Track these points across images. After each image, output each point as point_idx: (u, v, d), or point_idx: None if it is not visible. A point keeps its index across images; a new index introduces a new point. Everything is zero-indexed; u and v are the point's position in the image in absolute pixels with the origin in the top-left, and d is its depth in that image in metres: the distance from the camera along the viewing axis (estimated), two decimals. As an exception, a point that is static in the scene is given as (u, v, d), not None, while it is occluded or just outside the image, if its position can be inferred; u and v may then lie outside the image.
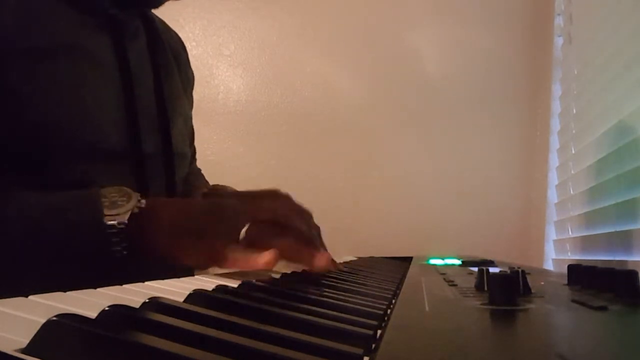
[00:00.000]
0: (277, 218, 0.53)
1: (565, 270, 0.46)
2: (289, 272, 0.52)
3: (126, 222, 0.45)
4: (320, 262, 0.51)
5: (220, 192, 0.78)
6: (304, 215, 0.61)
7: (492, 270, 0.37)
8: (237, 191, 0.75)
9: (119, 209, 0.45)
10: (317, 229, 0.63)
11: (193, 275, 0.50)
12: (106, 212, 0.45)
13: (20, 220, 0.43)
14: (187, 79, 0.83)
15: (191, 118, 0.83)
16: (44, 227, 0.44)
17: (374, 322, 0.27)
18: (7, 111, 0.49)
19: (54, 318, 0.18)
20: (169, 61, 0.74)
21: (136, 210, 0.46)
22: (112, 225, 0.44)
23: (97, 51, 0.58)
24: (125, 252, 0.45)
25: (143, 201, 0.48)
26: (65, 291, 0.27)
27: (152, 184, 0.63)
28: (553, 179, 1.32)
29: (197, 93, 0.92)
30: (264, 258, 0.46)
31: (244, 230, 0.49)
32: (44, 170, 0.51)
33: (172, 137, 0.69)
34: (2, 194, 0.44)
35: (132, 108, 0.61)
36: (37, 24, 0.52)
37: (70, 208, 0.45)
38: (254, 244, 0.49)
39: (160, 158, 0.67)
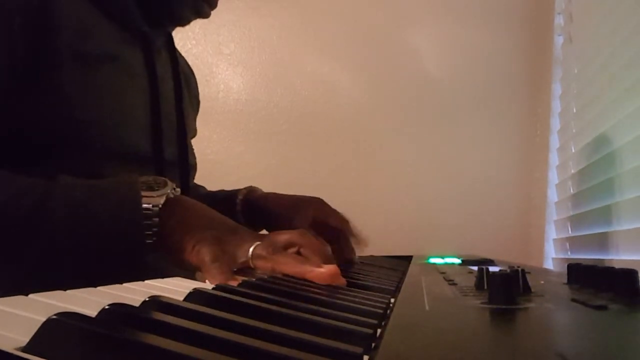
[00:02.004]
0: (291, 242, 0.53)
1: (565, 269, 0.46)
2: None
3: (160, 205, 0.47)
4: (319, 278, 0.48)
5: (258, 196, 0.83)
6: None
7: (492, 269, 0.37)
8: (276, 194, 0.82)
9: (154, 192, 0.47)
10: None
11: (194, 274, 0.50)
12: (143, 194, 0.47)
13: (65, 201, 0.45)
14: (196, 101, 0.90)
15: (195, 136, 0.88)
16: (86, 207, 0.45)
17: (374, 321, 0.27)
18: (54, 108, 0.53)
19: (54, 317, 0.18)
20: (182, 79, 0.79)
21: (171, 195, 0.48)
22: (147, 208, 0.46)
23: (132, 63, 0.64)
24: (154, 239, 0.46)
25: (178, 189, 0.50)
26: (92, 279, 0.28)
27: None
28: (553, 178, 1.32)
29: (197, 92, 0.93)
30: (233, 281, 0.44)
31: (251, 248, 0.48)
32: (74, 168, 0.53)
33: (187, 148, 0.74)
34: (47, 179, 0.46)
35: (157, 117, 0.66)
36: (89, 33, 0.57)
37: (111, 189, 0.47)
38: (262, 260, 0.48)
39: (177, 167, 0.72)
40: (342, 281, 0.46)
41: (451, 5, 1.53)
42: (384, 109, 1.52)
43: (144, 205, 0.46)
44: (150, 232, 0.46)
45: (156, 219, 0.46)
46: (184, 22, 0.73)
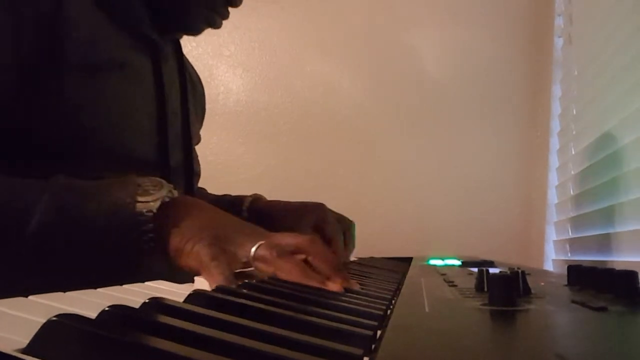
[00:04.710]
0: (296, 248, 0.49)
1: (565, 270, 0.46)
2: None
3: (154, 210, 0.45)
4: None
5: (263, 204, 0.85)
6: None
7: (492, 270, 0.37)
8: (279, 202, 0.85)
9: (148, 196, 0.46)
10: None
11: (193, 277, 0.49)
12: (138, 198, 0.46)
13: (55, 204, 0.44)
14: (201, 109, 0.91)
15: (198, 142, 0.89)
16: (78, 211, 0.44)
17: (374, 323, 0.26)
18: (60, 113, 0.54)
19: (54, 318, 0.18)
20: (188, 87, 0.79)
21: (167, 199, 0.47)
22: (141, 212, 0.45)
23: (139, 70, 0.64)
24: (152, 244, 0.45)
25: (175, 192, 0.48)
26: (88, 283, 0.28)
27: None
28: (553, 179, 1.32)
29: (197, 93, 0.93)
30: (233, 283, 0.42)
31: (254, 248, 0.46)
32: (80, 172, 0.53)
33: (192, 154, 0.75)
34: (42, 180, 0.46)
35: (164, 124, 0.67)
36: (99, 41, 0.58)
37: (105, 193, 0.46)
38: (264, 262, 0.46)
39: (182, 173, 0.72)
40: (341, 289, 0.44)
41: (451, 6, 1.53)
42: (384, 111, 1.52)
43: (138, 211, 0.45)
44: (146, 238, 0.45)
45: (151, 225, 0.45)
46: (195, 32, 0.74)
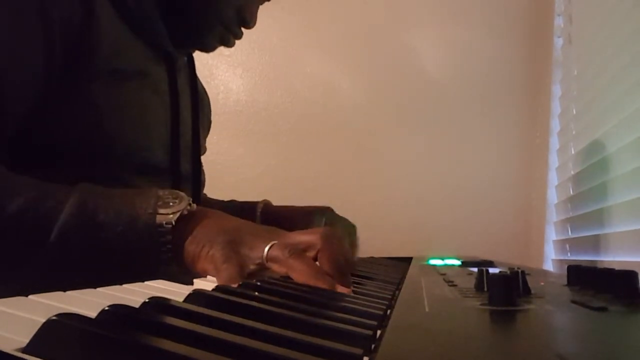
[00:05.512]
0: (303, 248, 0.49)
1: (564, 270, 0.46)
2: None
3: (173, 223, 0.46)
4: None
5: (274, 209, 0.90)
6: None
7: (491, 270, 0.37)
8: (287, 206, 0.90)
9: (168, 209, 0.46)
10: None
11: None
12: (158, 210, 0.46)
13: (77, 211, 0.45)
14: (207, 121, 0.93)
15: (204, 153, 0.91)
16: (100, 216, 0.45)
17: (374, 323, 0.26)
18: (84, 118, 0.56)
19: (54, 317, 0.18)
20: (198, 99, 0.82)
21: (185, 212, 0.47)
22: (160, 224, 0.45)
23: (156, 80, 0.67)
24: (170, 255, 0.46)
25: (194, 205, 0.48)
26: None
27: None
28: (553, 179, 1.32)
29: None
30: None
31: (267, 248, 0.46)
32: (96, 175, 0.53)
33: (200, 164, 0.78)
34: (68, 185, 0.47)
35: (176, 133, 0.69)
36: (123, 50, 0.60)
37: (127, 201, 0.46)
38: (276, 262, 0.45)
39: (190, 182, 0.74)
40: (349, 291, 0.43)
41: (451, 6, 1.53)
42: (384, 111, 1.52)
43: (158, 222, 0.45)
44: (164, 249, 0.46)
45: (169, 236, 0.45)
46: (209, 50, 0.76)
